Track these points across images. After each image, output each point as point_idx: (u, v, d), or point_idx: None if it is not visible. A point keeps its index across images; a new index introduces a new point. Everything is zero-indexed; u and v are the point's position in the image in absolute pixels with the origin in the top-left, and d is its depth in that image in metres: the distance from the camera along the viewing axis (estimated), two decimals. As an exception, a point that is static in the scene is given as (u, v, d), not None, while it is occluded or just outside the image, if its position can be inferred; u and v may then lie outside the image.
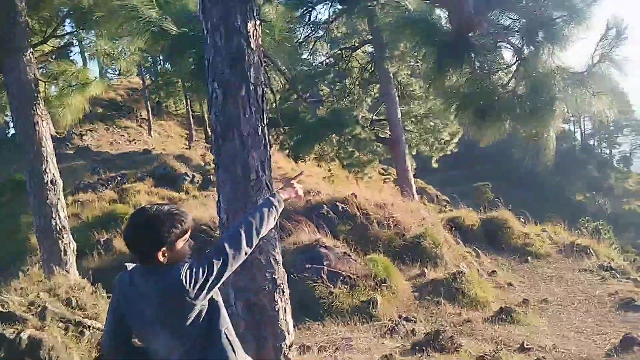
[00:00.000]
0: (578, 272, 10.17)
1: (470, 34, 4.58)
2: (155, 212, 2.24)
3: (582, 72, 4.53)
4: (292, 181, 2.85)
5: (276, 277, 3.79)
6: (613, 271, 10.08)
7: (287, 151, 20.11)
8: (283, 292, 3.84)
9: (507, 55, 4.86)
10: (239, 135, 3.71)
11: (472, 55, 4.56)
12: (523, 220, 13.02)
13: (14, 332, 4.15)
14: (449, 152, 21.86)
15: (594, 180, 60.33)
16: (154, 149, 25.78)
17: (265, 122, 3.82)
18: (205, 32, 3.74)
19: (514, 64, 4.68)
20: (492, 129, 4.82)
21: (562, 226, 13.02)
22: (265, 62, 4.76)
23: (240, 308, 3.74)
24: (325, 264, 8.01)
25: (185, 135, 31.59)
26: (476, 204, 16.63)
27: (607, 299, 8.64)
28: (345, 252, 8.39)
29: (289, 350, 3.95)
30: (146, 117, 30.53)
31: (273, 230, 3.72)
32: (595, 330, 7.33)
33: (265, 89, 3.92)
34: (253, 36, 3.75)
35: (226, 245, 2.35)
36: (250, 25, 3.72)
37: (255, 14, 3.79)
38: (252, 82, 3.73)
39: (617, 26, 4.41)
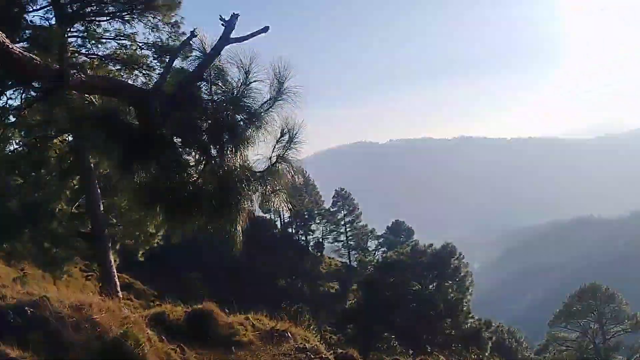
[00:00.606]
0: (278, 357, 10.64)
1: (157, 132, 4.62)
2: None
3: (263, 171, 4.90)
4: None
5: None
6: (307, 352, 10.83)
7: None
8: None
9: (196, 153, 5.00)
10: None
11: (159, 152, 4.59)
12: (228, 310, 13.23)
13: None
14: (155, 245, 21.54)
15: (294, 265, 65.78)
16: None
17: None
18: None
19: (202, 162, 4.84)
20: (183, 224, 4.85)
21: (264, 312, 13.61)
22: None
23: None
24: (5, 383, 6.86)
25: None
26: (184, 297, 16.49)
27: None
28: (31, 366, 7.31)
29: None
30: None
31: None
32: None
33: None
34: None
35: None
36: None
37: None
38: None
39: (290, 131, 4.94)
